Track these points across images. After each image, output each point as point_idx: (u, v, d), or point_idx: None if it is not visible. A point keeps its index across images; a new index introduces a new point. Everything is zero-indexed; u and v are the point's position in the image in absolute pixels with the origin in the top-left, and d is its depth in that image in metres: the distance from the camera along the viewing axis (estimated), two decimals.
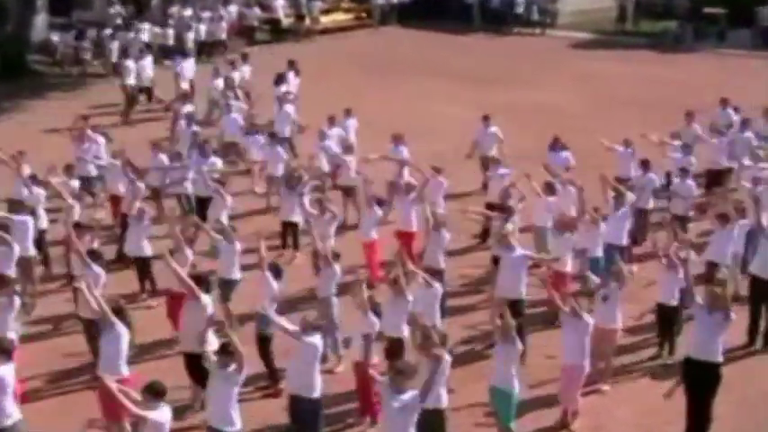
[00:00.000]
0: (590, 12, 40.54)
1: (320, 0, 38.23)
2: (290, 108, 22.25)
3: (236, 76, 25.52)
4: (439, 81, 29.68)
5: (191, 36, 32.26)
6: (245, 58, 27.15)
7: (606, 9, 40.60)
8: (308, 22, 37.48)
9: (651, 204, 17.80)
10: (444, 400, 10.79)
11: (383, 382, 10.10)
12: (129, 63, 26.59)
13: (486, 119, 20.58)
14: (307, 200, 16.42)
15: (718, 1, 38.93)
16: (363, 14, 40.00)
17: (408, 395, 9.66)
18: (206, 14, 34.09)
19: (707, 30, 38.21)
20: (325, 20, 38.49)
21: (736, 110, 22.12)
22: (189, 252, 13.87)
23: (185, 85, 25.93)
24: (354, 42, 36.84)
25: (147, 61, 27.25)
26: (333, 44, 36.03)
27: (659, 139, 19.81)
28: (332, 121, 20.76)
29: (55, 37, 31.93)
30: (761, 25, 37.39)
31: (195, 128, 20.84)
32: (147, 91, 27.06)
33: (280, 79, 24.49)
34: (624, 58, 34.77)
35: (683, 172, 17.79)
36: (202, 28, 33.02)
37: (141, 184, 16.98)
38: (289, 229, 17.12)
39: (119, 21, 33.45)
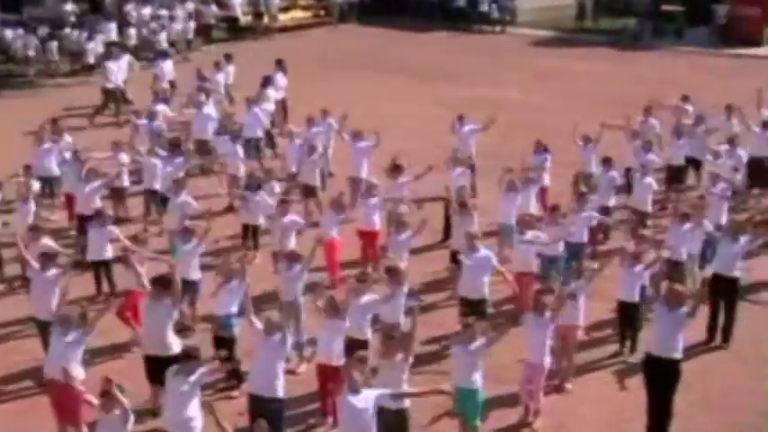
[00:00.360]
0: (550, 9, 40.67)
1: None
2: (263, 110, 22.03)
3: (220, 77, 25.40)
4: (399, 79, 29.64)
5: (163, 36, 32.00)
6: (228, 58, 26.86)
7: (566, 7, 40.74)
8: (266, 19, 37.29)
9: (613, 201, 17.84)
10: (407, 401, 10.71)
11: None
12: (111, 64, 26.27)
13: (460, 119, 20.40)
14: (271, 200, 16.42)
15: None
16: (322, 12, 39.88)
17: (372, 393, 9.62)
18: (178, 13, 33.95)
19: (665, 27, 38.50)
20: (284, 18, 38.35)
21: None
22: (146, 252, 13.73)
23: (165, 86, 25.60)
24: (313, 40, 36.68)
25: (124, 62, 27.01)
26: (292, 42, 35.80)
27: (620, 126, 19.93)
28: (310, 122, 20.66)
29: (8, 33, 31.51)
30: (718, 23, 37.73)
31: (161, 125, 20.58)
32: (121, 93, 26.64)
33: (267, 81, 23.73)
34: (584, 56, 34.93)
35: (644, 169, 17.81)
36: (176, 27, 32.78)
37: (96, 184, 16.75)
38: (249, 230, 16.98)
39: (72, 18, 33.10)
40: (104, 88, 25.92)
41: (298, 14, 39.20)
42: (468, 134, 20.16)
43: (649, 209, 17.72)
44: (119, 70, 26.37)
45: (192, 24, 33.63)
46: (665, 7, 39.21)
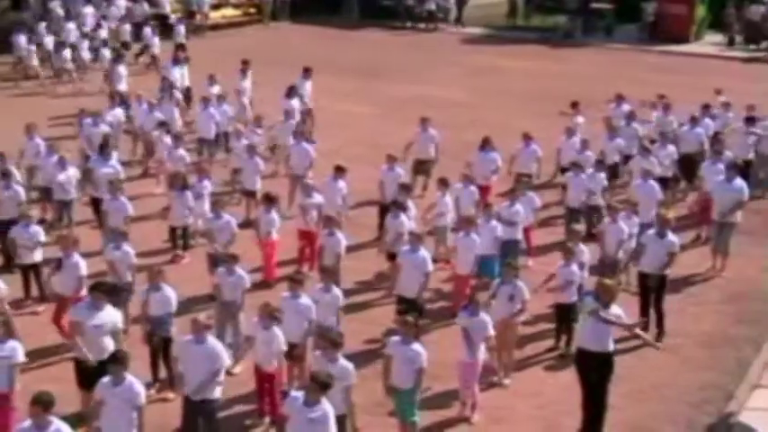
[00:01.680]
0: (482, 7, 40.91)
1: None
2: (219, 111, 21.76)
3: (176, 73, 25.17)
4: (330, 77, 29.49)
5: (103, 33, 31.60)
6: (186, 59, 26.60)
7: (497, 4, 41.06)
8: (197, 17, 36.95)
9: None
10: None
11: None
12: (121, 69, 25.81)
13: (424, 121, 20.26)
14: (192, 203, 16.41)
15: None
16: (253, 10, 39.63)
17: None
18: (113, 11, 33.63)
19: (595, 25, 39.06)
20: (215, 15, 38.06)
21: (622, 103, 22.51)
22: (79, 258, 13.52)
23: (123, 87, 25.20)
24: (245, 38, 36.43)
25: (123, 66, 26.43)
26: (223, 40, 35.57)
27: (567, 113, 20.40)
28: (257, 120, 20.57)
29: None
30: (646, 20, 38.33)
31: (105, 128, 20.27)
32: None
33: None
34: (515, 53, 35.22)
35: (577, 167, 17.97)
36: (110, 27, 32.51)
37: (19, 188, 16.42)
38: (178, 230, 16.83)
39: None
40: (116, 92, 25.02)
41: (229, 12, 38.94)
42: (430, 138, 20.11)
43: (579, 206, 17.84)
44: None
45: (128, 26, 33.09)
46: (595, 5, 39.82)
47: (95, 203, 17.30)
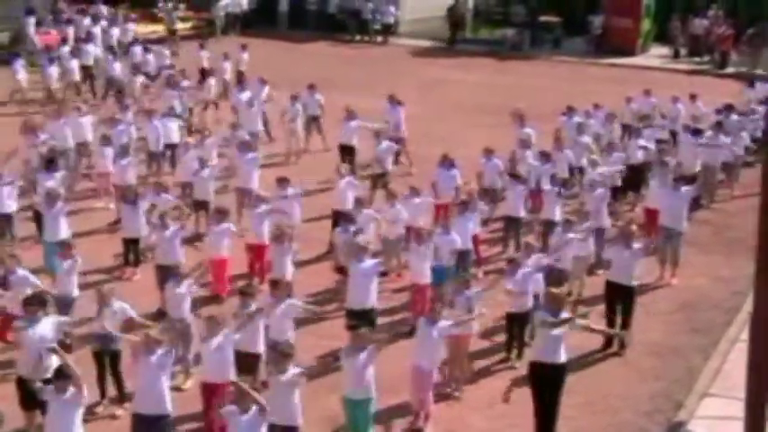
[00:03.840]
0: (429, 20, 41.05)
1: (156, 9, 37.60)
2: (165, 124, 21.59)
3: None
4: (281, 89, 29.41)
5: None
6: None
7: (445, 17, 41.14)
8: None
9: (523, 213, 17.99)
10: (299, 417, 10.63)
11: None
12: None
13: (378, 134, 20.45)
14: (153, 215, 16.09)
15: (553, 9, 40.24)
16: (202, 23, 39.37)
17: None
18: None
19: (543, 37, 39.44)
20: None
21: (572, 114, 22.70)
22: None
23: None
24: (196, 52, 36.08)
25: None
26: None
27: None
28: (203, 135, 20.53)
29: None
30: (594, 33, 38.75)
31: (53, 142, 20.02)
32: None
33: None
34: (464, 65, 35.38)
35: (516, 177, 18.09)
36: None
37: None
38: (130, 245, 16.60)
39: None
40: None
41: (178, 26, 38.55)
42: (386, 151, 20.18)
43: (522, 214, 17.94)
44: None
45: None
46: (543, 18, 40.14)
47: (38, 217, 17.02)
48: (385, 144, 20.26)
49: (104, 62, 28.72)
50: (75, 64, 27.72)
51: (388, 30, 39.94)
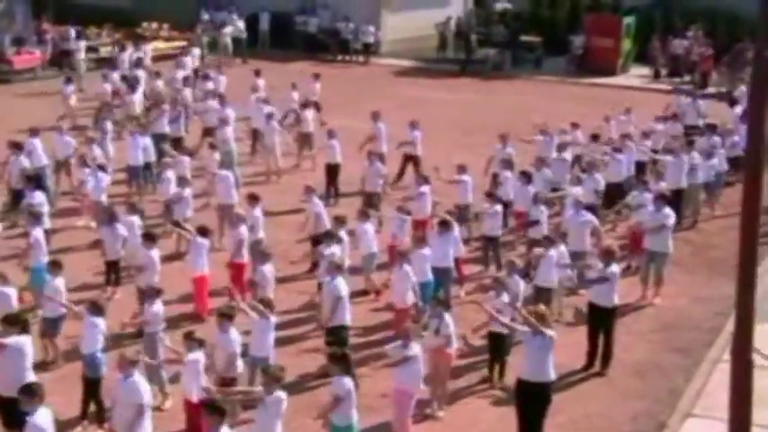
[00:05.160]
0: (412, 40, 41.17)
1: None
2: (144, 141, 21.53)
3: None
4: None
5: None
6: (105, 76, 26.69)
7: (427, 37, 41.31)
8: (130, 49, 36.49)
9: (500, 232, 18.02)
10: None
11: None
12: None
13: (370, 156, 20.45)
14: (124, 234, 16.14)
15: (534, 29, 40.44)
16: (185, 43, 39.25)
17: None
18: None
19: (525, 57, 39.64)
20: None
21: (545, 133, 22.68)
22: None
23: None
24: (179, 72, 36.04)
25: None
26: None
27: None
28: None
29: None
30: (574, 53, 38.95)
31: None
32: None
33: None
34: (446, 85, 35.47)
35: (491, 197, 18.09)
36: None
37: None
38: (111, 265, 16.44)
39: None
40: None
41: (160, 45, 38.48)
42: (376, 172, 20.20)
43: (499, 233, 17.95)
44: None
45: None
46: (524, 38, 40.35)
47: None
48: (378, 165, 20.25)
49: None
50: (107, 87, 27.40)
51: (369, 49, 40.06)
